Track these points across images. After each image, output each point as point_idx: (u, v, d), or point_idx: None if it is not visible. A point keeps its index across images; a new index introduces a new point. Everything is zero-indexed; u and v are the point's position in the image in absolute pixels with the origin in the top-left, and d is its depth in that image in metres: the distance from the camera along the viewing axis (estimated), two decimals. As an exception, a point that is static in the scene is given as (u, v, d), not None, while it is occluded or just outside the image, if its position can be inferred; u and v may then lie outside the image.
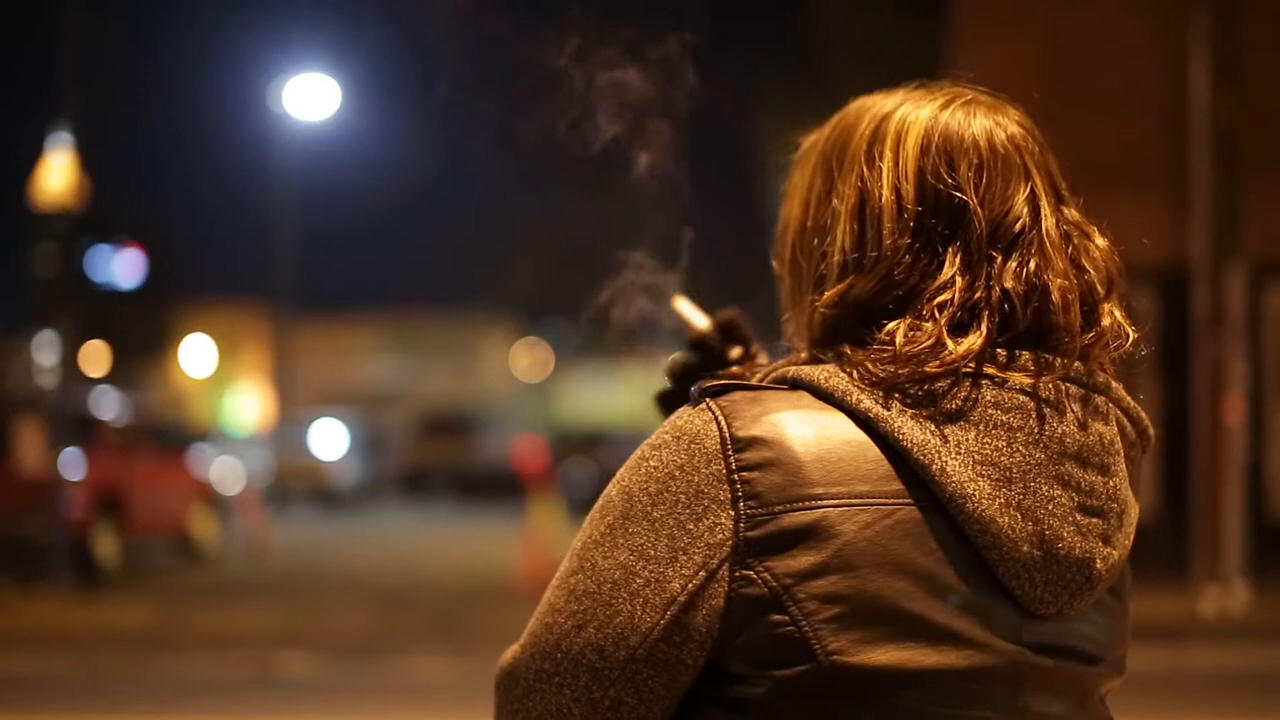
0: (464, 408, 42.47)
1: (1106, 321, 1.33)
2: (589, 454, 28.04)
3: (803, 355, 1.38)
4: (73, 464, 14.85)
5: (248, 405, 45.97)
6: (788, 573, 1.23)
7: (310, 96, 32.92)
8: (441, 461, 36.40)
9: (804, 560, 1.23)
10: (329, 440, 34.13)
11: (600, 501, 1.32)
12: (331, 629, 11.92)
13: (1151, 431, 1.37)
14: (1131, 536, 1.32)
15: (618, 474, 1.32)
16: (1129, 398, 1.35)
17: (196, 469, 18.58)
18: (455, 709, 8.44)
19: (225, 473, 23.30)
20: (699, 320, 1.77)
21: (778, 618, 1.23)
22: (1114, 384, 1.33)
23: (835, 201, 1.37)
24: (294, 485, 31.90)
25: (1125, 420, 1.34)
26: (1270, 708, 8.59)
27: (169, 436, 18.80)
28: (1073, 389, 1.30)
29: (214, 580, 15.82)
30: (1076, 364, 1.30)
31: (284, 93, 33.21)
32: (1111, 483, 1.29)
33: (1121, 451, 1.32)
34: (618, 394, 45.32)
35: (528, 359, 51.63)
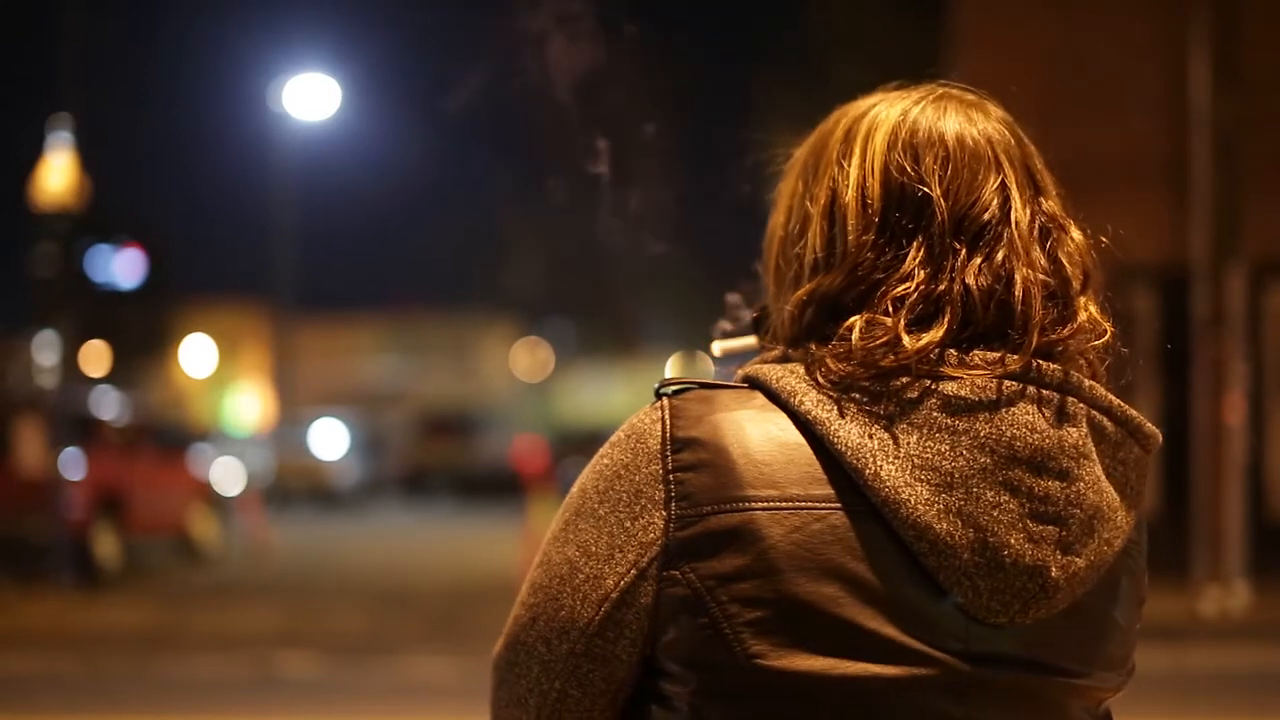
0: (464, 408, 42.45)
1: (1083, 316, 1.31)
2: (589, 454, 27.91)
3: (773, 354, 1.37)
4: (73, 464, 14.85)
5: (248, 405, 45.97)
6: (711, 574, 1.23)
7: (310, 96, 32.92)
8: (441, 461, 36.35)
9: (729, 563, 1.23)
10: (329, 440, 34.11)
11: (566, 497, 1.35)
12: (331, 629, 11.92)
13: (1149, 429, 1.31)
14: (1115, 543, 1.27)
15: (583, 470, 1.35)
16: (1110, 396, 1.29)
17: (196, 469, 18.58)
18: (455, 709, 8.43)
19: (225, 473, 23.28)
20: (747, 340, 1.76)
21: (701, 619, 1.23)
22: (1088, 383, 1.28)
23: (809, 204, 1.37)
24: (294, 485, 31.87)
25: (1105, 420, 1.28)
26: (1271, 708, 8.59)
27: (169, 436, 18.80)
28: (1031, 390, 1.26)
29: (214, 580, 15.82)
30: (1041, 363, 1.26)
31: (284, 92, 33.21)
32: (1073, 488, 1.24)
33: (1091, 455, 1.26)
34: (618, 393, 45.31)
35: (528, 359, 51.63)
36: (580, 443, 29.91)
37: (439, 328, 50.54)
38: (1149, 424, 1.32)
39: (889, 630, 1.21)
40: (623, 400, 43.54)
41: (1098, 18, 14.42)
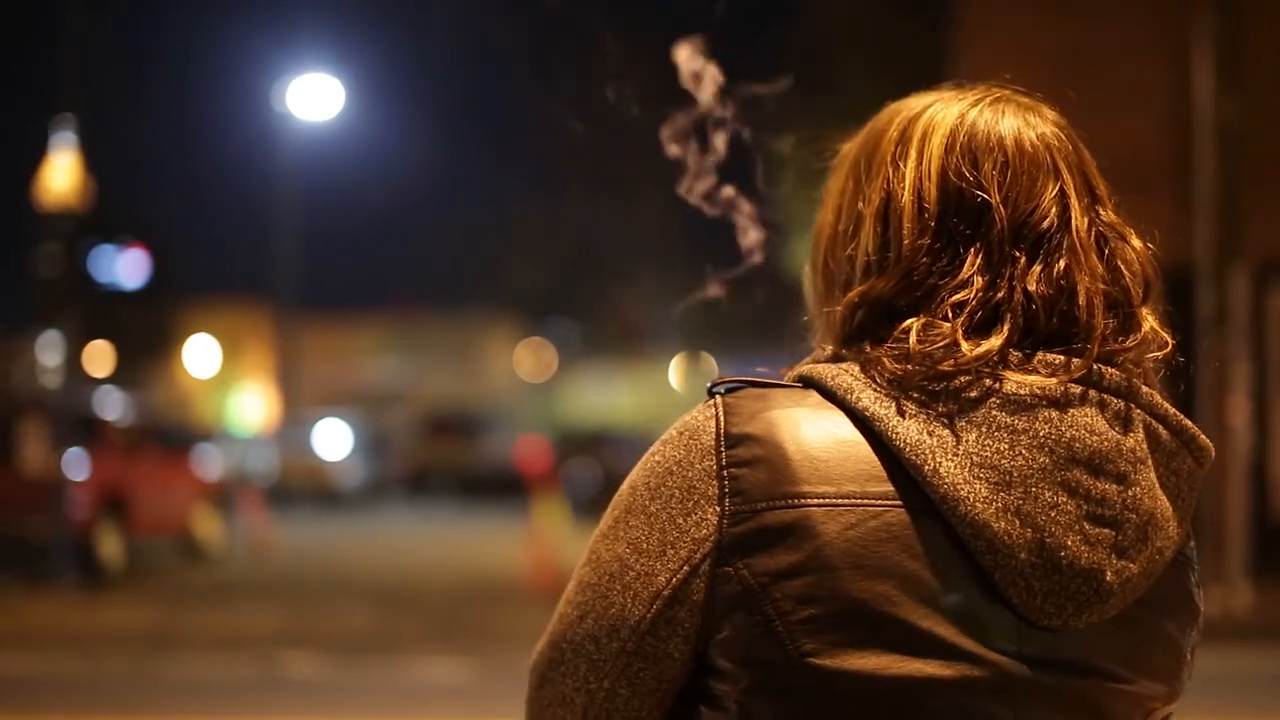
0: (467, 408, 42.46)
1: (1146, 327, 1.30)
2: (593, 454, 28.02)
3: (825, 353, 1.36)
4: (76, 464, 14.86)
5: (251, 405, 46.00)
6: (765, 571, 1.22)
7: (314, 96, 32.95)
8: (445, 462, 36.36)
9: (782, 559, 1.22)
10: (332, 440, 34.11)
11: (616, 495, 1.33)
12: (335, 629, 11.93)
13: (1203, 441, 1.31)
14: (1166, 552, 1.26)
15: (634, 467, 1.34)
16: (1168, 405, 1.29)
17: (200, 469, 18.59)
18: (458, 709, 8.44)
19: (229, 473, 23.28)
20: None
21: (754, 616, 1.22)
22: (1145, 390, 1.28)
23: (861, 205, 1.35)
24: (297, 485, 31.87)
25: (1161, 429, 1.28)
26: (1274, 708, 8.58)
27: (173, 436, 18.81)
28: (1092, 393, 1.25)
29: (217, 580, 15.83)
30: (1100, 368, 1.26)
31: (288, 93, 33.25)
32: (1130, 492, 1.24)
33: (1148, 461, 1.26)
34: (622, 394, 45.33)
35: (531, 359, 51.63)
36: (584, 443, 29.92)
37: (442, 328, 50.55)
38: (1204, 436, 1.31)
39: (942, 630, 1.20)
40: (626, 401, 43.55)
41: (1101, 18, 14.43)
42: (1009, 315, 1.26)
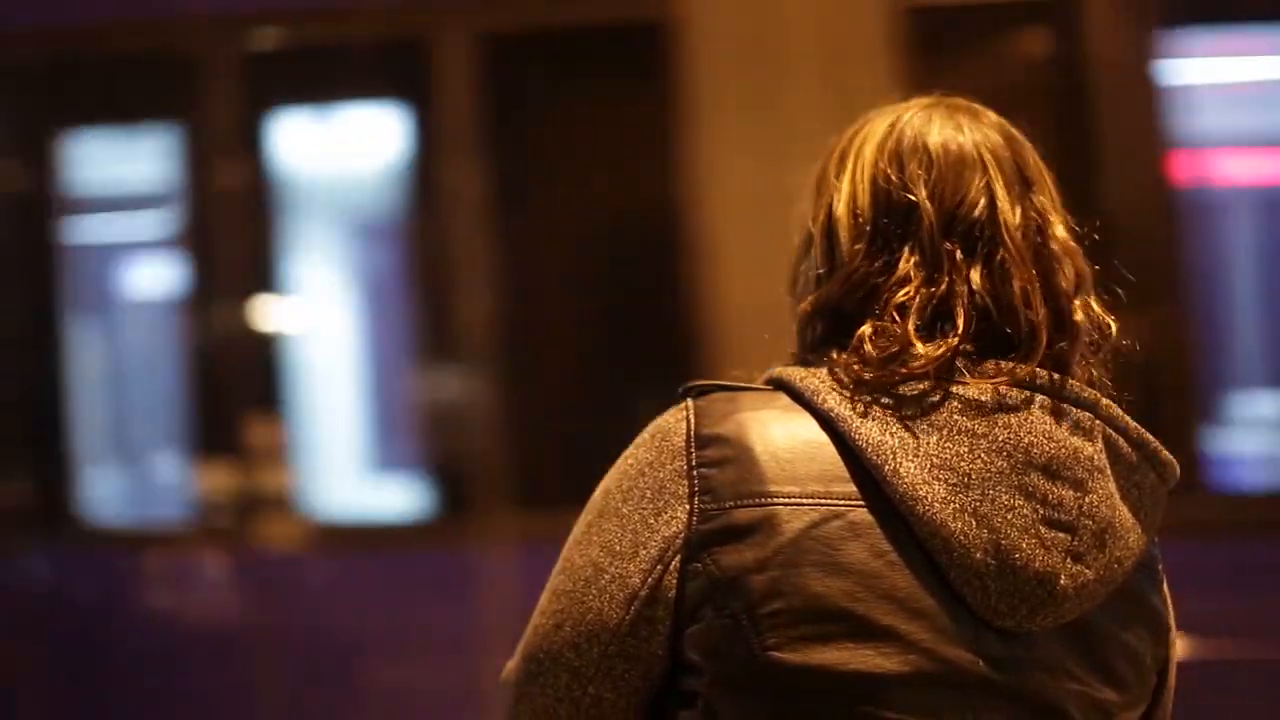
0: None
1: (1079, 317, 1.31)
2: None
3: (796, 360, 1.38)
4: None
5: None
6: (731, 565, 1.24)
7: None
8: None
9: (747, 555, 1.23)
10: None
11: (589, 501, 1.35)
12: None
13: (1165, 456, 1.31)
14: (1125, 563, 1.28)
15: (607, 473, 1.35)
16: (1128, 418, 1.30)
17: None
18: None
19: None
20: None
21: (720, 610, 1.24)
22: (1105, 401, 1.29)
23: (810, 223, 1.39)
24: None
25: (1122, 442, 1.29)
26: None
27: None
28: (1051, 401, 1.27)
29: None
30: (1063, 378, 1.27)
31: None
32: (1087, 499, 1.25)
33: (1106, 471, 1.27)
34: (622, 395, 45.26)
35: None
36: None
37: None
38: (1166, 452, 1.31)
39: (902, 627, 1.22)
40: (626, 401, 43.48)
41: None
42: (960, 313, 1.28)
